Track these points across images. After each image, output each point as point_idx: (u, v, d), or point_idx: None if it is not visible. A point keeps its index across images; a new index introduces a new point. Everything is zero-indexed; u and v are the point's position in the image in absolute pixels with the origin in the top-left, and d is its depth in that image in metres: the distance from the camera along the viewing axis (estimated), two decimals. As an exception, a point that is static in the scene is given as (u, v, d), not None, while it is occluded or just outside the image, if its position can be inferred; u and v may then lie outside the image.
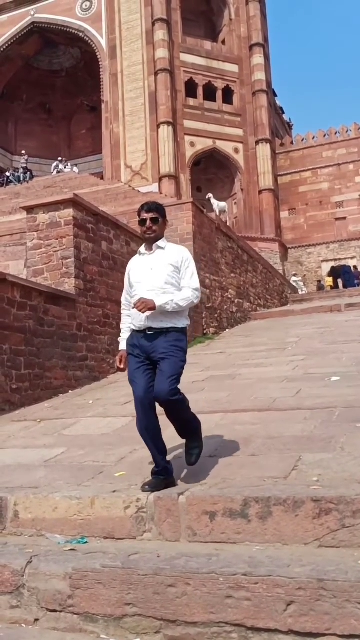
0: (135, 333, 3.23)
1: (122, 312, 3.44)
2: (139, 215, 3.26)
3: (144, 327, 3.15)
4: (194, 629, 2.21)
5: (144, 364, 3.15)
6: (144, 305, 3.03)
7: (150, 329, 3.14)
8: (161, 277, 3.17)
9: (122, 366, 3.29)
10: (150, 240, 3.27)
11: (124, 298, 3.41)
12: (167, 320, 3.15)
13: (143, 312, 3.04)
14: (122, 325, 3.41)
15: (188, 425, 3.23)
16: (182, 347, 3.16)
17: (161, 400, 3.02)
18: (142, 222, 3.26)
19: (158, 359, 3.09)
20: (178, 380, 3.09)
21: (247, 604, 2.15)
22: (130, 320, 3.28)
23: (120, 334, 3.41)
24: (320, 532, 2.46)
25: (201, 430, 3.30)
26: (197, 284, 3.26)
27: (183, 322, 3.23)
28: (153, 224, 3.23)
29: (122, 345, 3.34)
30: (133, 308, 3.11)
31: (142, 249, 3.33)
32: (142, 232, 3.30)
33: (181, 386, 5.96)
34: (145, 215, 3.24)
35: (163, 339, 3.12)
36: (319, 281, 29.14)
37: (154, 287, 3.14)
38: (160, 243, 3.27)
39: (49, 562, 2.52)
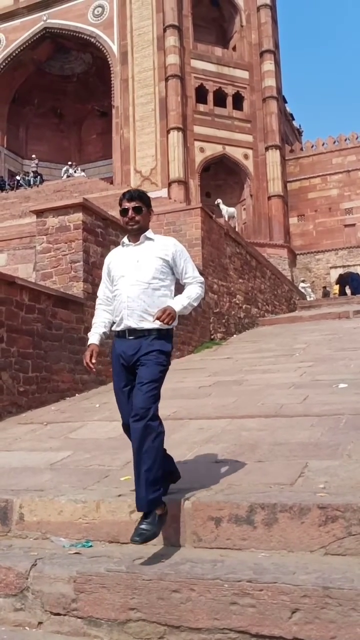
0: (117, 339, 2.90)
1: (97, 307, 3.07)
2: (120, 205, 2.93)
3: (124, 328, 2.84)
4: (198, 635, 2.20)
5: (129, 383, 2.82)
6: (169, 317, 2.70)
7: (131, 331, 2.82)
8: (148, 271, 2.84)
9: (93, 361, 2.89)
10: (134, 232, 2.94)
11: (101, 292, 3.06)
12: (152, 317, 2.79)
13: (170, 324, 2.74)
14: (95, 320, 3.04)
15: (153, 474, 2.59)
16: (165, 352, 2.82)
17: (133, 417, 2.65)
18: (124, 212, 2.92)
19: (137, 367, 2.78)
20: (157, 389, 2.72)
21: (252, 610, 2.14)
22: (112, 318, 2.97)
23: (92, 329, 3.04)
24: (326, 540, 2.44)
25: (164, 516, 2.63)
26: (200, 275, 3.00)
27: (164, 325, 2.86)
28: (136, 213, 2.90)
29: (93, 339, 2.98)
30: (155, 320, 2.74)
31: (126, 239, 3.00)
32: (124, 223, 2.96)
33: (188, 392, 5.92)
34: (126, 204, 2.91)
35: (146, 344, 2.78)
36: (325, 287, 29.09)
37: (139, 282, 2.83)
38: (148, 234, 2.96)
39: (54, 565, 2.52)
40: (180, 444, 4.00)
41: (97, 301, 3.08)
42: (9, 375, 5.93)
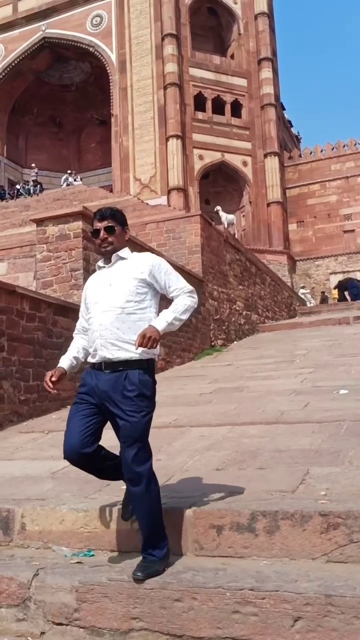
0: (92, 370, 2.63)
1: (74, 337, 2.83)
2: (92, 225, 2.72)
3: (99, 360, 2.57)
4: (200, 644, 2.19)
5: (88, 407, 2.56)
6: (150, 340, 2.43)
7: (107, 364, 2.54)
8: (121, 295, 2.57)
9: (53, 379, 2.62)
10: (107, 254, 2.69)
11: (78, 323, 2.81)
12: (129, 345, 2.51)
13: (154, 348, 2.47)
14: (70, 347, 2.80)
15: (152, 523, 2.49)
16: (147, 396, 2.52)
17: (129, 480, 2.52)
18: (95, 234, 2.68)
19: (116, 416, 2.51)
20: (147, 445, 2.50)
21: (254, 619, 2.14)
22: (87, 345, 2.69)
23: (65, 354, 2.81)
24: (328, 547, 2.43)
25: (167, 557, 2.52)
26: (187, 285, 2.67)
27: (149, 351, 2.55)
28: (108, 234, 2.65)
29: (62, 363, 2.73)
30: (137, 347, 2.46)
31: (101, 262, 2.76)
32: (97, 246, 2.73)
33: (189, 399, 5.89)
34: (98, 225, 2.67)
35: (122, 385, 2.49)
36: (323, 292, 29.11)
37: (112, 307, 2.57)
38: (122, 253, 2.69)
39: (56, 575, 2.52)
40: (181, 452, 4.01)
41: (74, 332, 2.84)
42: (10, 384, 5.93)
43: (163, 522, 2.53)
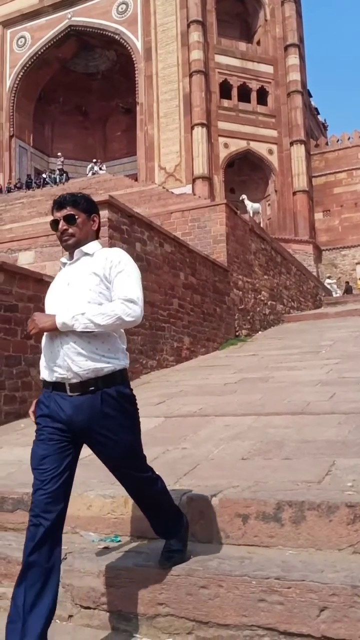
0: (53, 393, 2.18)
1: None
2: (52, 214, 2.31)
3: (62, 378, 2.14)
4: (226, 631, 2.21)
5: (58, 443, 2.15)
6: (34, 326, 2.12)
7: (74, 386, 2.13)
8: (81, 295, 2.14)
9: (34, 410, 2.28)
10: (70, 248, 2.28)
11: None
12: (98, 356, 2.13)
13: (34, 334, 2.15)
14: None
15: (166, 516, 2.44)
16: (131, 410, 2.24)
17: (133, 496, 2.44)
18: (54, 225, 2.28)
19: (101, 442, 2.18)
20: (141, 458, 2.31)
21: (280, 608, 2.15)
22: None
23: None
24: (354, 538, 2.43)
25: (187, 531, 2.49)
26: (134, 293, 2.14)
27: (120, 358, 2.21)
28: (68, 224, 2.24)
29: None
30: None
31: (64, 258, 2.34)
32: (58, 239, 2.31)
33: (213, 388, 5.91)
34: (57, 215, 2.26)
35: (100, 407, 2.12)
36: (347, 282, 28.79)
37: (70, 310, 2.13)
38: (86, 247, 2.26)
39: (83, 560, 2.56)
40: (206, 441, 4.03)
41: None
42: (37, 371, 6.01)
43: (176, 507, 2.50)
